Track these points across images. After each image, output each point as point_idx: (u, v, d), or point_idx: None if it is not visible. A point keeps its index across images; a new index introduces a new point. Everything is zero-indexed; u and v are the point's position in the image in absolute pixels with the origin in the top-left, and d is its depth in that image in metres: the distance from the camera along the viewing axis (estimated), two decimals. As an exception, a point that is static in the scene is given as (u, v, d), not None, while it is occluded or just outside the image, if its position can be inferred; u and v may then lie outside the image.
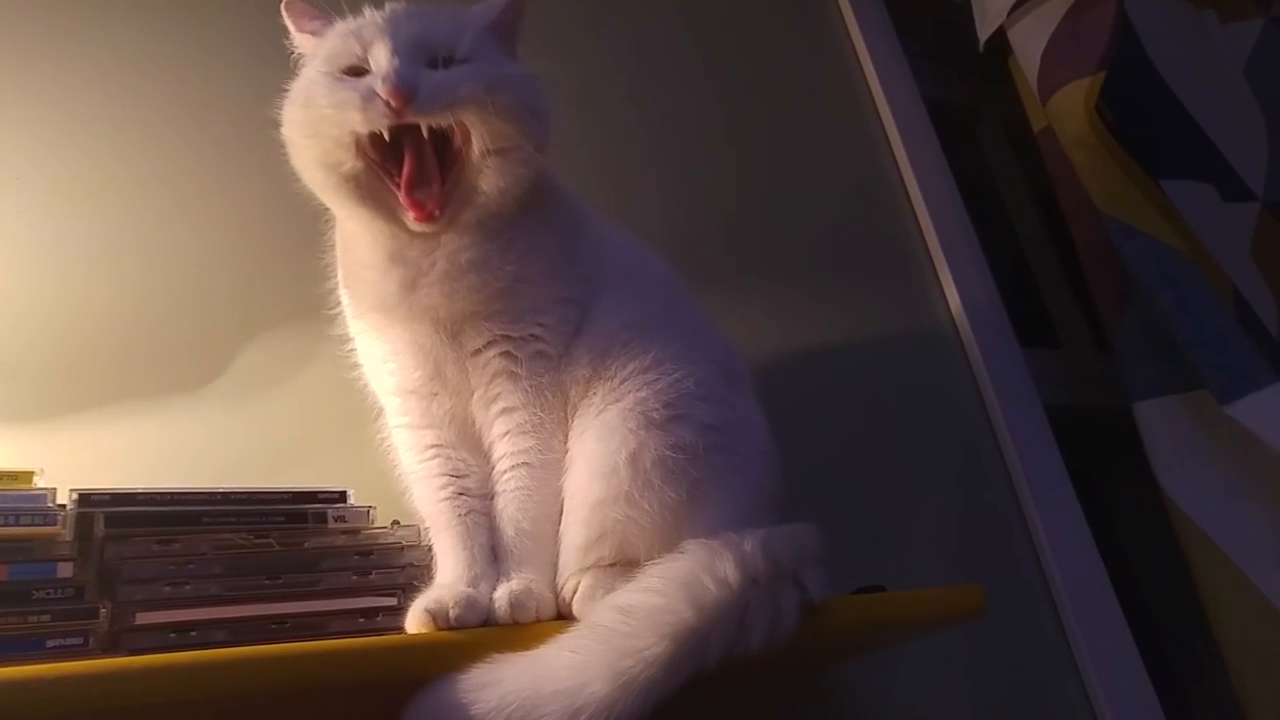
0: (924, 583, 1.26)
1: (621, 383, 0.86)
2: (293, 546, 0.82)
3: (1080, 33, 1.53)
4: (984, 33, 1.72)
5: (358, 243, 0.88)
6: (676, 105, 1.52)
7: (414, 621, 0.75)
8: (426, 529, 0.86)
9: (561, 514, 0.85)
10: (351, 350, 0.92)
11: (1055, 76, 1.53)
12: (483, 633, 0.75)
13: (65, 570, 0.72)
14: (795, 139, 1.62)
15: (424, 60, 0.80)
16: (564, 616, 0.81)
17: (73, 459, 0.92)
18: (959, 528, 1.40)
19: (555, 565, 0.84)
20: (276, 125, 0.84)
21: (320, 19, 0.86)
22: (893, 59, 1.79)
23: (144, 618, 0.73)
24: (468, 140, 0.81)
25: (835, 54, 1.77)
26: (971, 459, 1.48)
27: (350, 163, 0.81)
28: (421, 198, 0.81)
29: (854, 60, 1.78)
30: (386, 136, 0.79)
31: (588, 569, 0.82)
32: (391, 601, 0.82)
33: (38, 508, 0.73)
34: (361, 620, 0.81)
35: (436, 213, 0.81)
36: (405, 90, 0.76)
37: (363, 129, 0.78)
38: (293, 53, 0.88)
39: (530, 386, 0.85)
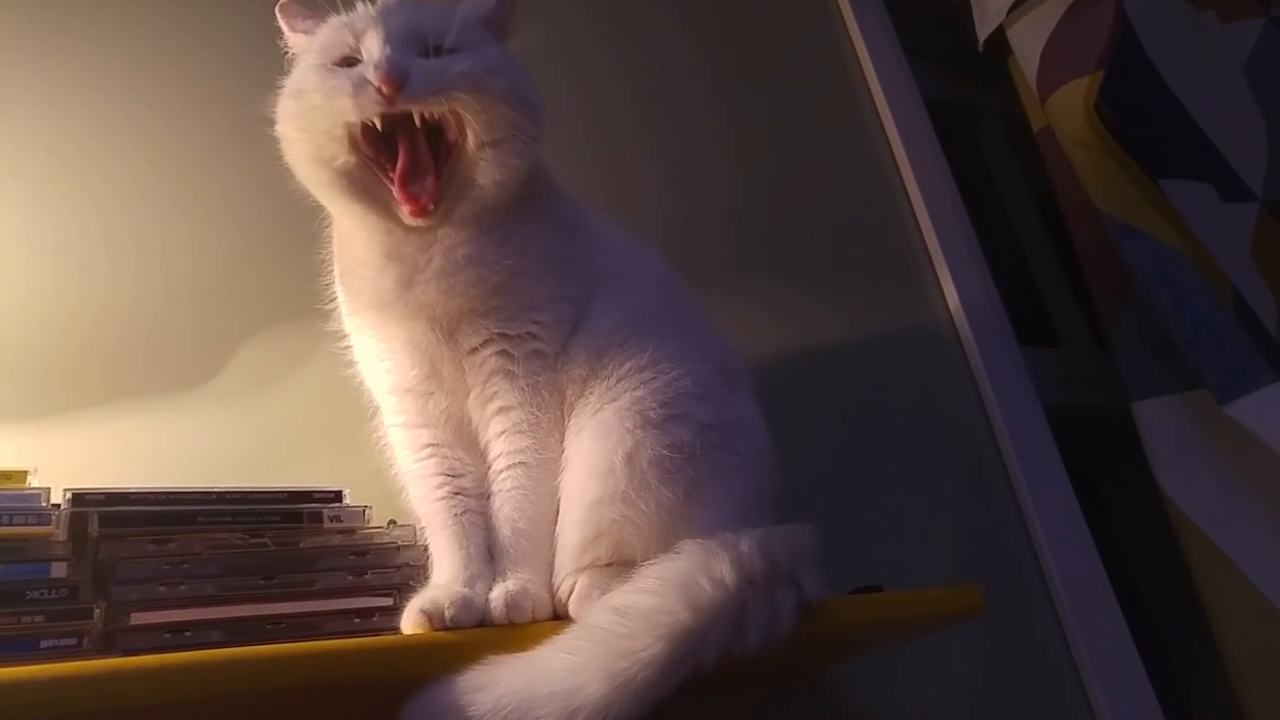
0: (922, 582, 1.26)
1: (618, 382, 0.85)
2: (288, 546, 0.82)
3: (1079, 32, 1.53)
4: (983, 32, 1.72)
5: (353, 240, 0.87)
6: (676, 105, 1.52)
7: (409, 622, 0.75)
8: (422, 529, 0.86)
9: (558, 514, 0.84)
10: (347, 347, 0.92)
11: (1054, 76, 1.53)
12: (479, 633, 0.75)
13: (59, 570, 0.72)
14: (795, 138, 1.61)
15: (416, 50, 0.80)
16: (560, 617, 0.80)
17: (68, 458, 0.92)
18: (958, 527, 1.40)
19: (551, 565, 0.83)
20: (273, 123, 0.83)
21: (313, 18, 0.86)
22: (892, 58, 1.79)
23: (139, 618, 0.73)
24: (462, 133, 0.81)
25: (834, 53, 1.77)
26: (970, 458, 1.47)
27: (344, 157, 0.80)
28: (416, 191, 0.80)
29: (853, 59, 1.78)
30: (378, 125, 0.79)
31: (584, 569, 0.82)
32: (387, 602, 0.82)
33: (31, 507, 0.73)
34: (357, 620, 0.81)
35: (431, 206, 0.81)
36: (396, 76, 0.76)
37: (354, 117, 0.78)
38: (287, 52, 0.87)
39: (527, 385, 0.85)
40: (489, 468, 0.86)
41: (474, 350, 0.85)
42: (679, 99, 1.52)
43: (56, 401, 0.95)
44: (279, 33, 0.88)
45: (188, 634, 0.74)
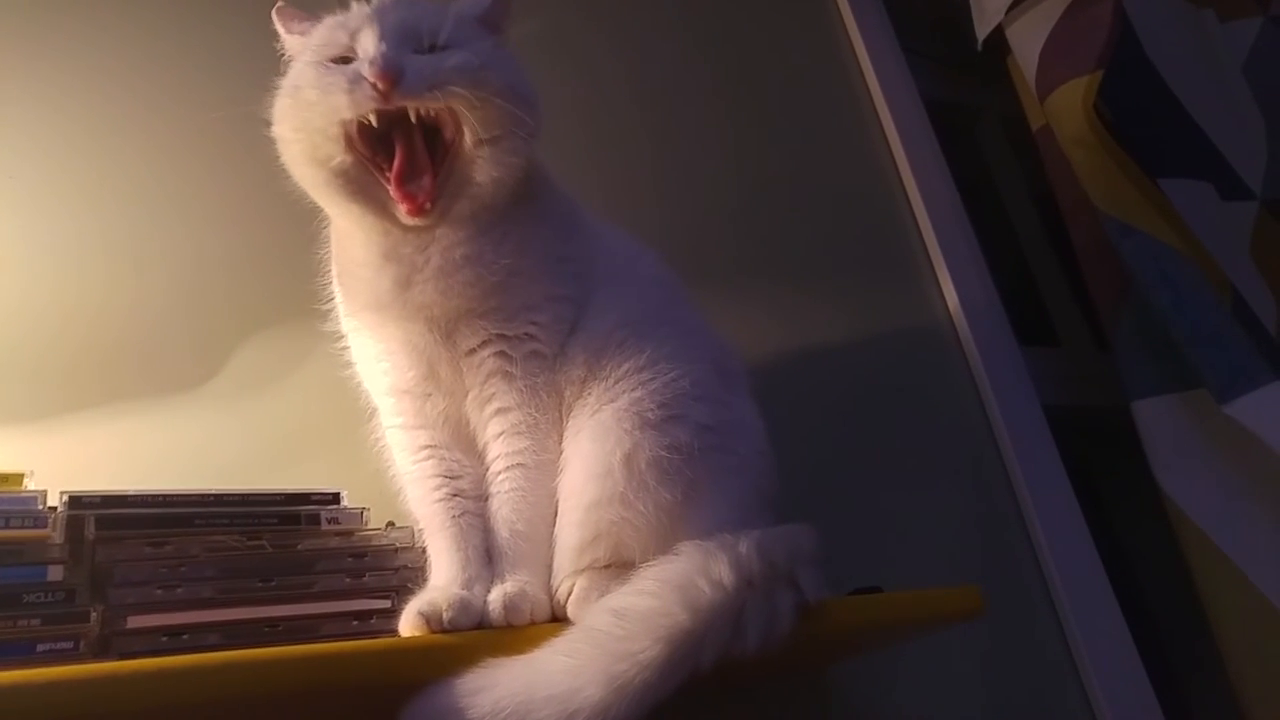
0: (922, 583, 1.26)
1: (616, 382, 0.85)
2: (286, 549, 0.82)
3: (1078, 31, 1.53)
4: (982, 31, 1.71)
5: (351, 240, 0.87)
6: (674, 104, 1.52)
7: (408, 624, 0.75)
8: (420, 530, 0.86)
9: (556, 515, 0.84)
10: (345, 348, 0.92)
11: (1053, 75, 1.53)
12: (477, 635, 0.75)
13: (56, 573, 0.71)
14: (793, 137, 1.61)
15: (411, 47, 0.80)
16: (558, 619, 0.80)
17: (65, 460, 0.91)
18: (957, 527, 1.40)
19: (550, 567, 0.83)
20: (270, 124, 0.83)
21: (309, 20, 0.86)
22: (891, 57, 1.79)
23: (135, 621, 0.73)
24: (459, 131, 0.81)
25: (833, 52, 1.77)
26: (970, 458, 1.47)
27: (340, 157, 0.80)
28: (413, 190, 0.80)
29: (852, 58, 1.78)
30: (374, 121, 0.78)
31: (582, 571, 0.82)
32: (385, 604, 0.82)
33: (28, 510, 0.73)
34: (355, 623, 0.81)
35: (428, 205, 0.80)
36: (392, 72, 0.76)
37: (350, 114, 0.78)
38: (283, 54, 0.87)
39: (525, 387, 0.85)
40: (487, 469, 0.86)
41: (472, 351, 0.85)
42: (678, 99, 1.52)
43: (53, 403, 0.95)
44: (275, 34, 0.88)
45: (185, 637, 0.74)
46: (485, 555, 0.82)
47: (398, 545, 0.86)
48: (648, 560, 0.76)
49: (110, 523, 0.76)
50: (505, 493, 0.84)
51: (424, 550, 0.85)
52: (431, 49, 0.80)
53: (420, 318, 0.84)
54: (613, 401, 0.84)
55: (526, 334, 0.86)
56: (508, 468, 0.84)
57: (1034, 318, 1.91)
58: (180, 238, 1.07)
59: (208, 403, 1.01)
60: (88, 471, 0.90)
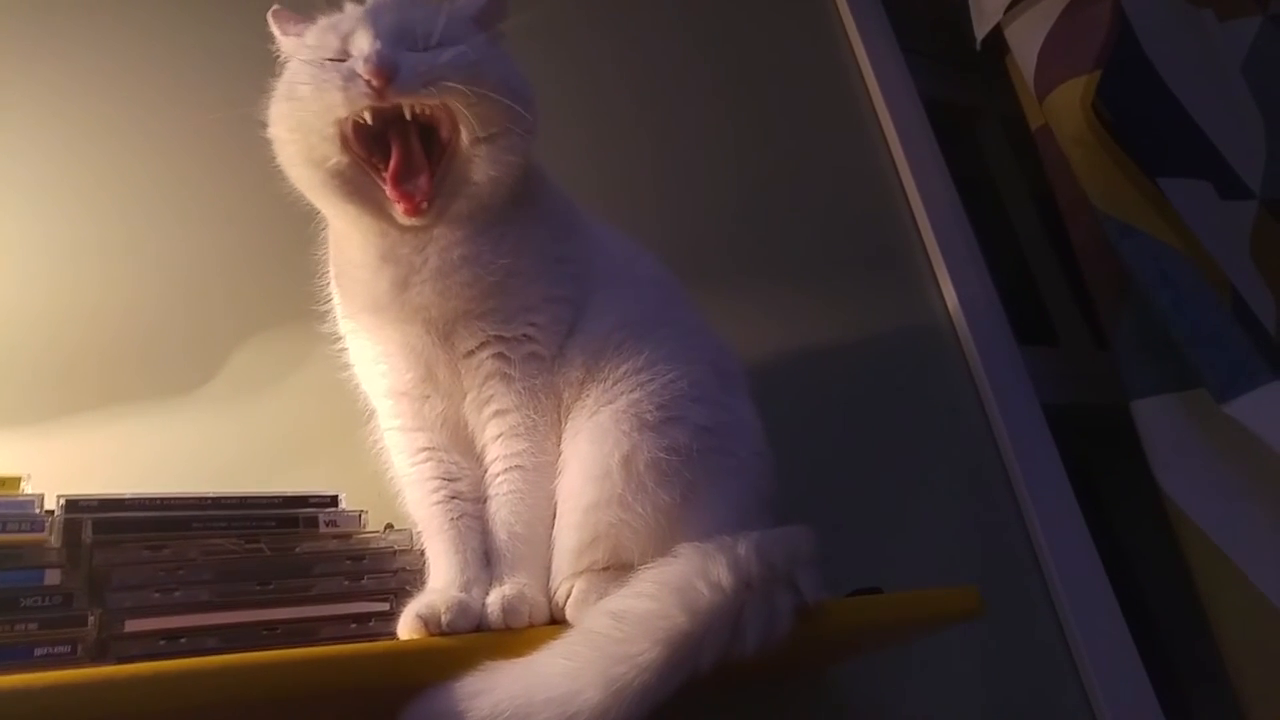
0: (922, 582, 1.26)
1: (614, 384, 0.85)
2: (284, 552, 0.81)
3: (1077, 31, 1.53)
4: (981, 31, 1.71)
5: (348, 242, 0.87)
6: (673, 104, 1.51)
7: (406, 627, 0.75)
8: (419, 533, 0.86)
9: (555, 517, 0.84)
10: (343, 349, 0.92)
11: (1052, 75, 1.53)
12: (475, 638, 0.74)
13: (53, 577, 0.71)
14: (792, 137, 1.61)
15: (405, 46, 0.79)
16: (557, 621, 0.80)
17: (62, 463, 0.91)
18: (957, 527, 1.40)
19: (548, 569, 0.83)
20: (266, 126, 0.83)
21: (305, 22, 0.85)
22: (890, 57, 1.79)
23: (133, 625, 0.72)
24: (455, 130, 0.81)
25: (832, 52, 1.77)
26: (969, 457, 1.47)
27: (336, 158, 0.80)
28: (409, 189, 0.80)
29: (851, 58, 1.78)
30: (369, 119, 0.78)
31: (581, 573, 0.82)
32: (384, 607, 0.82)
33: (25, 514, 0.73)
34: (353, 626, 0.80)
35: (425, 205, 0.80)
36: (386, 68, 0.75)
37: (344, 111, 0.77)
38: (279, 56, 0.87)
39: (523, 388, 0.84)
40: (485, 471, 0.86)
41: (470, 353, 0.85)
42: (677, 98, 1.52)
43: (50, 406, 0.94)
44: (272, 37, 0.88)
45: (183, 641, 0.74)
46: (484, 558, 0.82)
47: (396, 548, 0.86)
48: (646, 562, 0.76)
49: (108, 526, 0.76)
50: (504, 495, 0.83)
51: (422, 553, 0.85)
52: (426, 48, 0.80)
53: (418, 319, 0.84)
54: (611, 403, 0.84)
55: (524, 335, 0.85)
56: (506, 470, 0.84)
57: (1033, 317, 1.91)
58: (177, 239, 1.07)
59: (205, 405, 1.01)
60: (85, 474, 0.90)
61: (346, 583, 0.82)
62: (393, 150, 0.80)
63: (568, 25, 1.46)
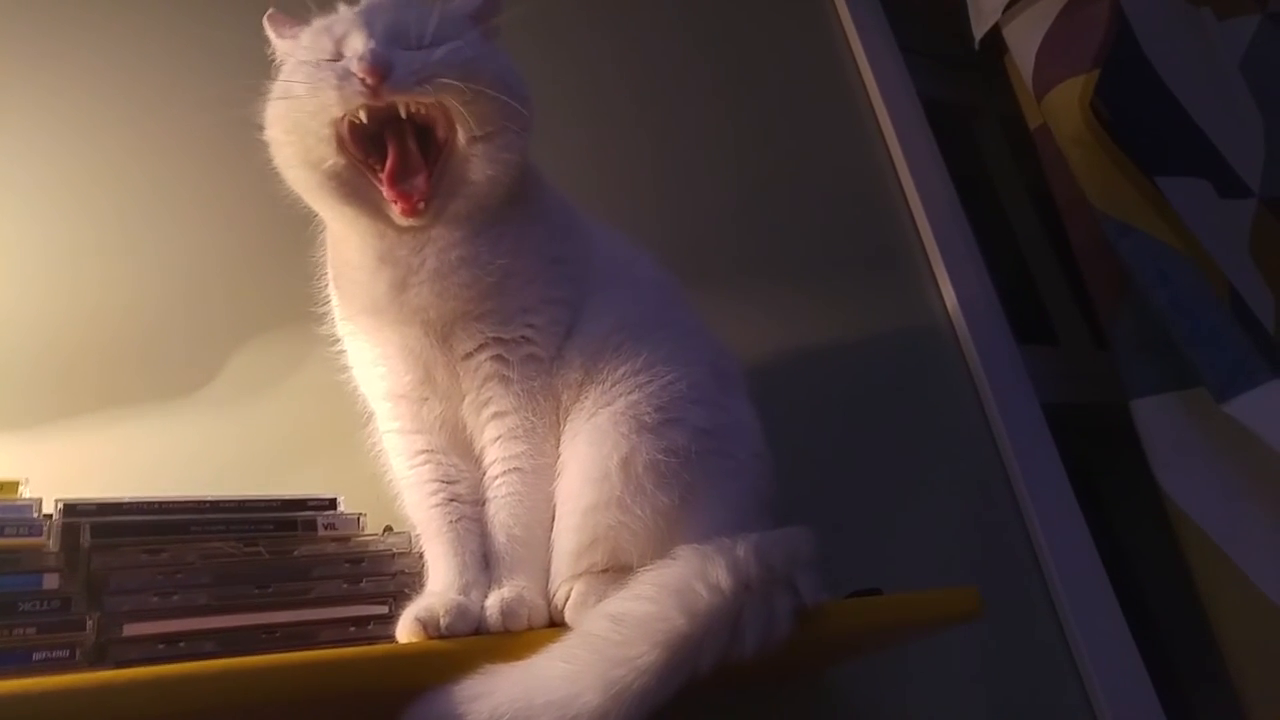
0: (922, 582, 1.26)
1: (613, 386, 0.85)
2: (282, 555, 0.81)
3: (1075, 30, 1.53)
4: (979, 30, 1.71)
5: (346, 244, 0.87)
6: (671, 103, 1.51)
7: (405, 630, 0.74)
8: (417, 535, 0.86)
9: (553, 520, 0.84)
10: (341, 352, 0.92)
11: (1050, 74, 1.53)
12: (474, 641, 0.74)
13: (51, 581, 0.71)
14: (791, 136, 1.61)
15: (399, 45, 0.79)
16: (556, 624, 0.80)
17: (60, 467, 0.91)
18: (956, 527, 1.40)
19: (547, 572, 0.83)
20: (263, 129, 0.83)
21: (300, 26, 0.85)
22: (888, 56, 1.79)
23: (131, 629, 0.72)
24: (451, 129, 0.80)
25: (830, 51, 1.77)
26: (969, 457, 1.47)
27: (332, 159, 0.80)
28: (406, 189, 0.79)
29: (849, 57, 1.77)
30: (364, 118, 0.78)
31: (580, 575, 0.82)
32: (383, 610, 0.82)
33: (23, 518, 0.72)
34: (352, 629, 0.80)
35: (422, 205, 0.80)
36: (380, 66, 0.75)
37: (340, 110, 0.77)
38: (274, 59, 0.87)
39: (522, 390, 0.84)
40: (484, 474, 0.85)
41: (468, 355, 0.85)
42: (675, 98, 1.52)
43: (48, 410, 0.94)
44: (270, 40, 0.88)
45: (181, 645, 0.74)
46: (482, 560, 0.82)
47: (395, 551, 0.86)
48: (645, 564, 0.76)
49: (105, 530, 0.76)
50: (502, 497, 0.83)
51: (421, 555, 0.85)
52: (420, 47, 0.79)
53: (416, 321, 0.84)
54: (609, 405, 0.84)
55: (523, 337, 0.85)
56: (505, 472, 0.84)
57: (1032, 316, 1.91)
58: (174, 242, 1.07)
59: (203, 408, 1.01)
60: (83, 478, 0.90)
61: (345, 586, 0.82)
62: (389, 150, 0.80)
63: (567, 25, 1.45)
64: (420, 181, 0.80)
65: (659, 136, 1.47)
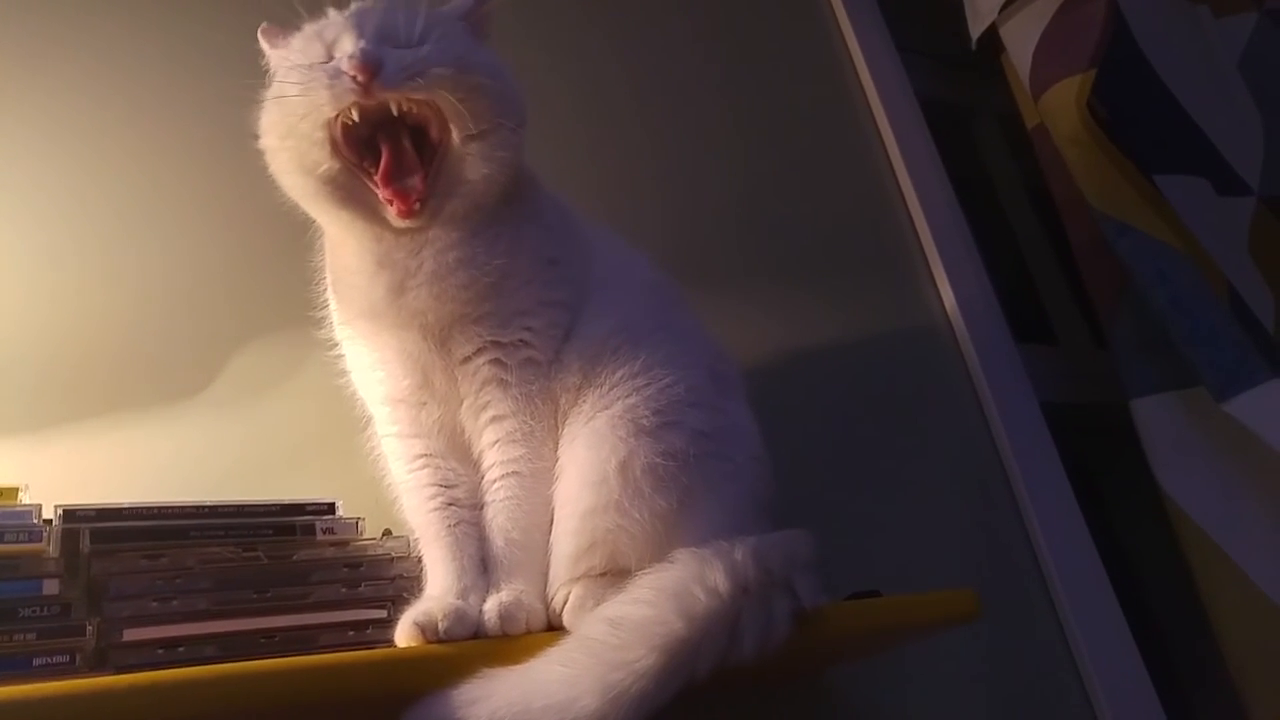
0: (921, 583, 1.26)
1: (611, 389, 0.85)
2: (281, 559, 0.81)
3: (1072, 30, 1.53)
4: (976, 30, 1.71)
5: (343, 249, 0.87)
6: (669, 103, 1.51)
7: (403, 634, 0.75)
8: (416, 540, 0.86)
9: (552, 523, 0.84)
10: (339, 356, 0.92)
11: (1047, 74, 1.53)
12: (472, 645, 0.74)
13: (51, 587, 0.71)
14: (788, 136, 1.61)
15: (390, 44, 0.79)
16: (554, 628, 0.80)
17: (60, 473, 0.91)
18: (956, 527, 1.40)
19: (546, 575, 0.83)
20: (258, 136, 0.83)
21: (293, 35, 0.86)
22: (886, 55, 1.79)
23: (131, 634, 0.73)
24: (445, 128, 0.81)
25: (828, 51, 1.76)
26: (968, 457, 1.47)
27: (327, 164, 0.80)
28: (402, 190, 0.79)
29: (847, 57, 1.77)
30: (356, 117, 0.78)
31: (578, 579, 0.82)
32: (381, 614, 0.82)
33: (22, 524, 0.73)
34: (351, 633, 0.80)
35: (419, 205, 0.80)
36: (370, 63, 0.75)
37: (331, 110, 0.77)
38: (268, 70, 0.87)
39: (520, 394, 0.84)
40: (482, 478, 0.86)
41: (467, 359, 0.85)
42: (673, 98, 1.52)
43: (46, 415, 0.94)
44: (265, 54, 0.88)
45: (181, 650, 0.74)
46: (481, 564, 0.82)
47: (393, 555, 0.86)
48: (643, 568, 0.76)
49: (105, 536, 0.76)
50: (500, 501, 0.83)
51: (420, 559, 0.85)
52: (410, 45, 0.80)
53: (415, 325, 0.84)
54: (608, 408, 0.84)
55: (521, 340, 0.85)
56: (503, 476, 0.84)
57: (1031, 316, 1.91)
58: (173, 246, 1.07)
59: (201, 412, 1.01)
60: (82, 484, 0.90)
61: (344, 590, 0.82)
62: (383, 152, 0.80)
63: (566, 25, 1.46)
64: (416, 182, 0.80)
65: (657, 136, 1.47)
